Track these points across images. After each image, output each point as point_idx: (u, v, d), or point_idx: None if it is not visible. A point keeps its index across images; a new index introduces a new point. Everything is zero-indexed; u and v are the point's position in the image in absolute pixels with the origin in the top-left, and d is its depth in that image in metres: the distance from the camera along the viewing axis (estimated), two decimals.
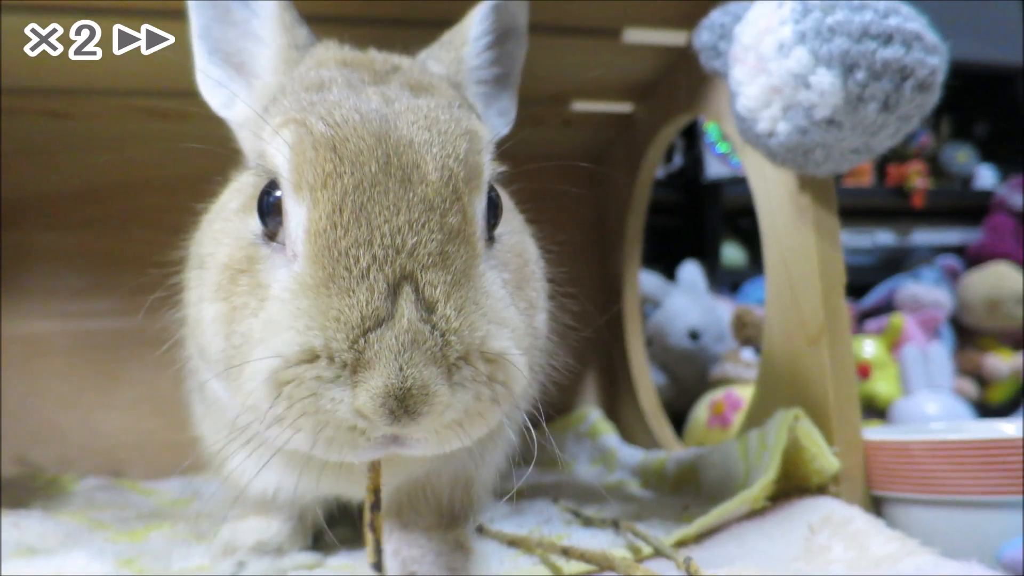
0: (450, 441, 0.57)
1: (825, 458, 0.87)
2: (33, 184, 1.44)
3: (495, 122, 0.87)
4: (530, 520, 0.99)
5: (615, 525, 0.87)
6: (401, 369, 0.52)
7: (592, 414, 1.56)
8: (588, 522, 0.93)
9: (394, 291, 0.55)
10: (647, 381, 1.53)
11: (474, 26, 0.84)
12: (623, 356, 1.56)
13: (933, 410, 1.68)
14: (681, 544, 0.81)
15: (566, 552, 0.75)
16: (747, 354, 1.41)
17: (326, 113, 0.62)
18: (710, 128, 2.82)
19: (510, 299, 0.63)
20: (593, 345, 1.65)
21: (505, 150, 0.77)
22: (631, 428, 1.52)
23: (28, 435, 1.38)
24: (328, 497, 0.84)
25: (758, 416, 1.00)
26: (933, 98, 0.78)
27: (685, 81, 1.22)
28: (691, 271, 1.76)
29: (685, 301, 1.69)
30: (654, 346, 1.69)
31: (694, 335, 1.66)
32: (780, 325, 1.01)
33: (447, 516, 0.82)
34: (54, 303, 1.43)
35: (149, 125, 1.33)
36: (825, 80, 0.76)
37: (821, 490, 0.88)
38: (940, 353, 1.81)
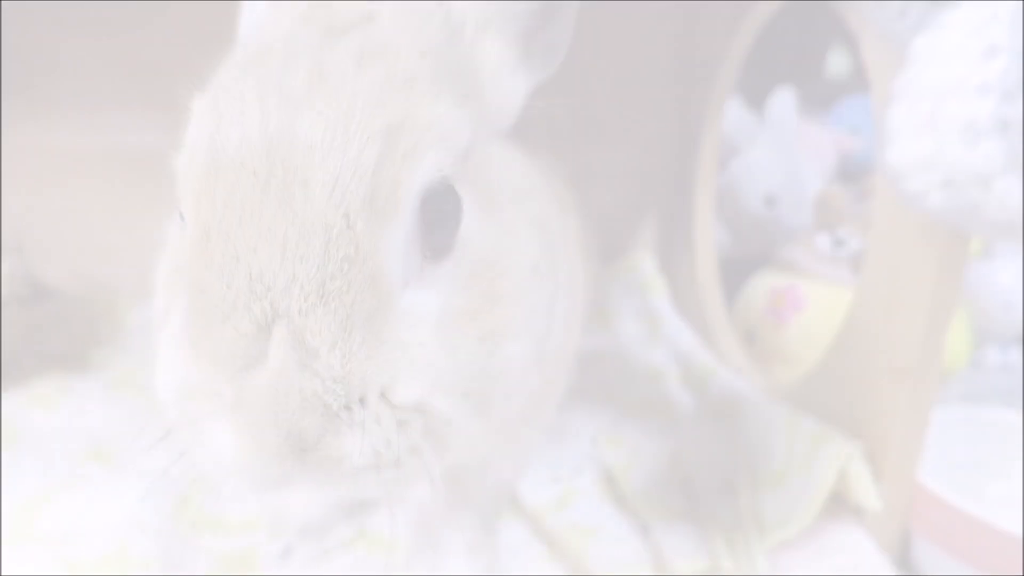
0: (366, 486, 0.51)
1: (868, 500, 0.86)
2: None
3: (535, 63, 0.65)
4: (565, 466, 1.01)
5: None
6: (275, 416, 0.45)
7: (644, 265, 1.51)
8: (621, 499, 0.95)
9: (267, 331, 0.46)
10: (708, 245, 1.43)
11: None
12: (687, 210, 1.44)
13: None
14: None
15: None
16: (822, 243, 1.29)
17: (230, 101, 0.51)
18: None
19: (452, 334, 0.52)
20: (657, 186, 1.52)
21: None
22: (680, 292, 1.47)
23: (76, 251, 1.37)
24: None
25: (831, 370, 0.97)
26: None
27: None
28: (782, 105, 1.53)
29: (767, 157, 1.50)
30: (724, 205, 1.55)
31: (770, 200, 1.51)
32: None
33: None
34: (79, 116, 1.32)
35: None
36: (1013, 190, 0.58)
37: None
38: None
